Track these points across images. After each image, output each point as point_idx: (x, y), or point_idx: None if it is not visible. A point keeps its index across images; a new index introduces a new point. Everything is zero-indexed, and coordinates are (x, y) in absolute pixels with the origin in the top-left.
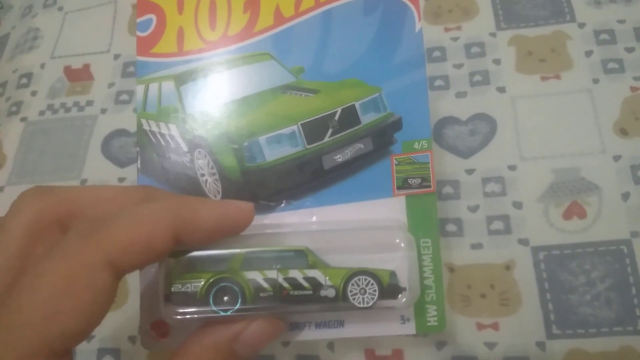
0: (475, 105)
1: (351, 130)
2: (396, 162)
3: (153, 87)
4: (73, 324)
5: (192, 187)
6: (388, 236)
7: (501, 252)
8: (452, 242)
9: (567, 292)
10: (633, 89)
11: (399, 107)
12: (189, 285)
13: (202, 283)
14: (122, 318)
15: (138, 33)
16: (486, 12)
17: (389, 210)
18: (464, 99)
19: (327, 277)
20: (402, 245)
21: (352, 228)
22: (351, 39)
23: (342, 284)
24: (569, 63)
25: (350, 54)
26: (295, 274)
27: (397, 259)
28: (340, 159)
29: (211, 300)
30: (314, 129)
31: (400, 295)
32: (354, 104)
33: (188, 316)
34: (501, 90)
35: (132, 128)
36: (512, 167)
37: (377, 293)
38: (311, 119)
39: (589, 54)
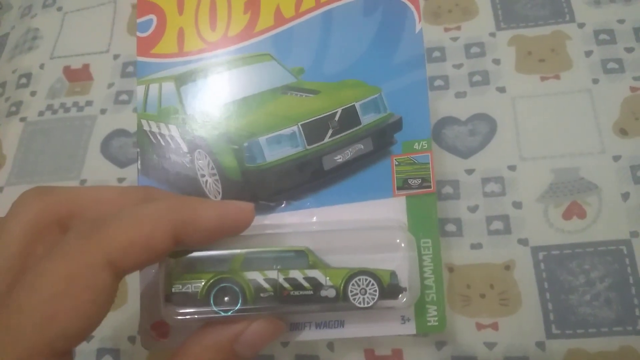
0: (474, 105)
1: (351, 130)
2: (396, 163)
3: (153, 88)
4: (73, 324)
5: (192, 188)
6: (388, 236)
7: (501, 252)
8: (451, 242)
9: (566, 292)
10: (633, 89)
11: (399, 108)
12: (190, 285)
13: (203, 283)
14: (121, 318)
15: (138, 33)
16: (486, 12)
17: (389, 211)
18: (464, 99)
19: (328, 278)
20: (403, 245)
21: (353, 228)
22: (351, 40)
23: (342, 284)
24: (568, 63)
25: (351, 55)
26: (296, 274)
27: (398, 259)
28: (340, 160)
29: (212, 301)
30: (314, 130)
31: (400, 296)
32: (354, 105)
33: (188, 317)
34: (501, 90)
35: (132, 128)
36: (511, 167)
37: (377, 293)
38: (311, 119)
39: (588, 54)
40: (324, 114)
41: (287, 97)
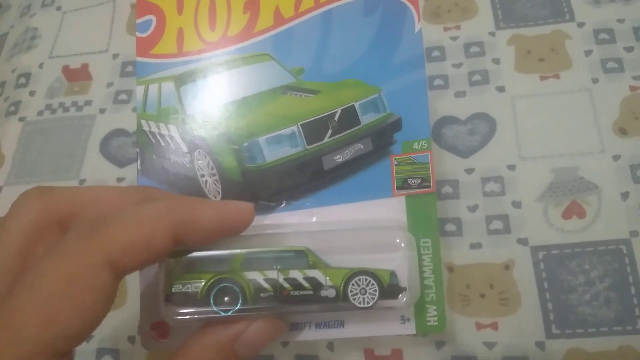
0: (474, 104)
1: (351, 130)
2: (396, 163)
3: (153, 88)
4: (74, 324)
5: (192, 188)
6: (388, 236)
7: (500, 252)
8: (451, 241)
9: (566, 291)
10: (632, 88)
11: (399, 108)
12: (190, 285)
13: (203, 283)
14: (121, 318)
15: (138, 34)
16: (485, 11)
17: (388, 211)
18: (463, 98)
19: (328, 277)
20: (402, 245)
21: (352, 228)
22: (351, 40)
23: (342, 284)
24: (568, 62)
25: (350, 55)
26: (296, 274)
27: (397, 259)
28: (340, 160)
29: (212, 301)
30: (313, 130)
31: (400, 295)
32: (353, 105)
33: (188, 317)
34: (500, 89)
35: (131, 128)
36: (511, 167)
37: (377, 293)
38: (311, 119)
39: (588, 53)
40: (324, 114)
41: (286, 97)
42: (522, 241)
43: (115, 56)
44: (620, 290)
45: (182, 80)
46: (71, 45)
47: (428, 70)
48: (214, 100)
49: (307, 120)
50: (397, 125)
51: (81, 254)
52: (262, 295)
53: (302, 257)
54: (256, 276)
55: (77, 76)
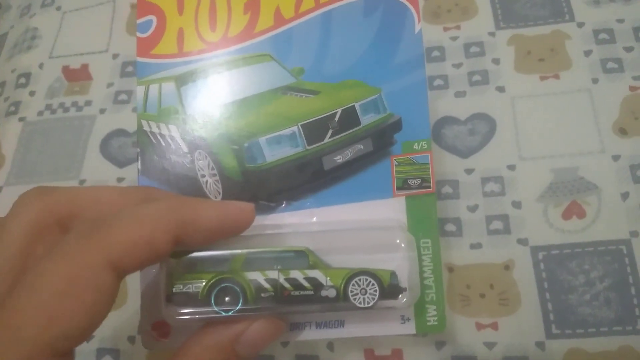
0: (474, 104)
1: (351, 131)
2: (396, 163)
3: (153, 88)
4: (74, 324)
5: (192, 188)
6: (388, 236)
7: (500, 252)
8: (451, 242)
9: (566, 291)
10: (632, 88)
11: (399, 108)
12: (191, 285)
13: (204, 283)
14: (121, 318)
15: (138, 34)
16: (485, 11)
17: (389, 211)
18: (463, 98)
19: (328, 278)
20: (403, 245)
21: (353, 228)
22: (351, 40)
23: (342, 284)
24: (568, 63)
25: (350, 55)
26: (296, 274)
27: (398, 259)
28: (340, 160)
29: (212, 301)
30: (314, 130)
31: (400, 296)
32: (354, 105)
33: (189, 317)
34: (500, 89)
35: (131, 128)
36: (511, 167)
37: (377, 293)
38: (311, 119)
39: (588, 53)
40: (324, 115)
41: (287, 98)
42: (522, 241)
43: (115, 56)
44: (620, 290)
45: (183, 80)
46: (71, 45)
47: (428, 71)
48: (215, 100)
49: (307, 121)
50: (397, 125)
51: (82, 254)
52: (262, 295)
53: (303, 257)
54: (257, 276)
55: (77, 76)
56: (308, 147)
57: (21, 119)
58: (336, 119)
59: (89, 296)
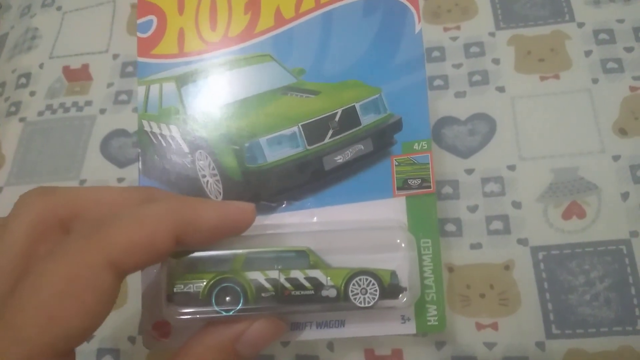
0: (474, 105)
1: (351, 131)
2: (396, 163)
3: (154, 89)
4: (75, 324)
5: (193, 188)
6: (389, 236)
7: (500, 252)
8: (451, 242)
9: (566, 292)
10: (632, 88)
11: (399, 108)
12: (191, 285)
13: (204, 283)
14: (121, 318)
15: (139, 34)
16: (485, 11)
17: (389, 211)
18: (463, 98)
19: (329, 277)
20: (403, 245)
21: (353, 228)
22: (351, 40)
23: (343, 284)
24: (568, 63)
25: (351, 55)
26: (297, 274)
27: (398, 259)
28: (340, 160)
29: (213, 301)
30: (314, 130)
31: (401, 295)
32: (354, 105)
33: (190, 316)
34: (500, 90)
35: (131, 128)
36: (511, 167)
37: (378, 293)
38: (312, 120)
39: (588, 53)
40: (324, 115)
41: (287, 98)
42: (522, 241)
43: (115, 56)
44: (620, 290)
45: (183, 80)
46: (71, 45)
47: (428, 71)
48: (215, 100)
49: (307, 121)
50: (397, 125)
51: (82, 254)
52: (263, 295)
53: (303, 257)
54: (257, 276)
55: (78, 76)
56: (308, 147)
57: (21, 119)
58: (336, 119)
59: (89, 296)
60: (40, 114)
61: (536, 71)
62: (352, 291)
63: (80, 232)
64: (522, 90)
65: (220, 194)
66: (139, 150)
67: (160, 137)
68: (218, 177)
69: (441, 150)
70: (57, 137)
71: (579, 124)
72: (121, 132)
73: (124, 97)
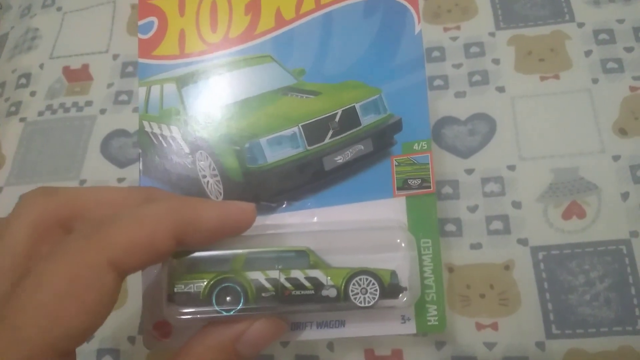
0: (474, 105)
1: (351, 131)
2: (396, 163)
3: (155, 89)
4: (76, 324)
5: (193, 189)
6: (389, 236)
7: (500, 252)
8: (451, 242)
9: (566, 292)
10: (632, 88)
11: (399, 109)
12: (192, 285)
13: (205, 283)
14: (121, 318)
15: (140, 35)
16: (485, 11)
17: (389, 211)
18: (463, 98)
19: (329, 277)
20: (403, 245)
21: (353, 228)
22: (351, 41)
23: (343, 284)
24: (568, 63)
25: (351, 56)
26: (297, 274)
27: (398, 259)
28: (340, 160)
29: (214, 301)
30: (314, 131)
31: (401, 295)
32: (354, 106)
33: (191, 316)
34: (500, 90)
35: (131, 128)
36: (511, 167)
37: (378, 293)
38: (312, 120)
39: (588, 53)
40: (325, 115)
41: (287, 99)
42: (522, 241)
43: (115, 57)
44: (620, 290)
45: (184, 81)
46: (72, 45)
47: (428, 71)
48: (216, 101)
49: (308, 122)
50: (397, 126)
51: (83, 254)
52: (263, 295)
53: (304, 257)
54: (258, 276)
55: (78, 77)
56: (309, 148)
57: (22, 119)
58: (337, 119)
59: (90, 296)
60: (41, 114)
61: (536, 71)
62: (352, 291)
63: (81, 232)
64: (522, 90)
65: (220, 194)
66: (140, 151)
67: (161, 138)
68: (218, 178)
69: (441, 150)
70: (57, 137)
71: (579, 124)
72: (121, 132)
73: (124, 97)
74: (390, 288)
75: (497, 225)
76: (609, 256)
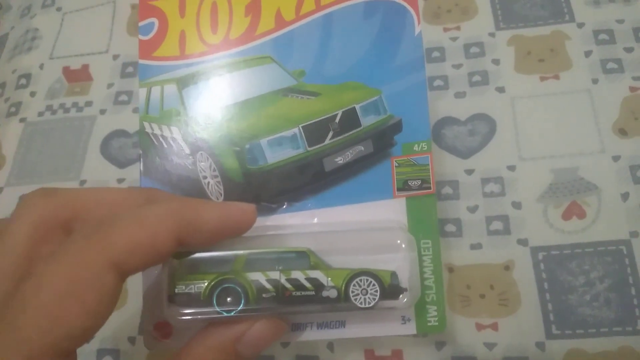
0: (474, 105)
1: (352, 132)
2: (396, 164)
3: (155, 91)
4: (77, 324)
5: (194, 190)
6: (389, 237)
7: (500, 253)
8: (451, 242)
9: (566, 292)
10: (632, 89)
11: (399, 109)
12: (193, 286)
13: (206, 284)
14: (121, 319)
15: (140, 36)
16: (485, 12)
17: (389, 212)
18: (463, 99)
19: (329, 278)
20: (403, 246)
21: (353, 229)
22: (351, 42)
23: (343, 285)
24: (568, 63)
25: (351, 57)
26: (298, 274)
27: (398, 259)
28: (341, 161)
29: (214, 301)
30: (315, 132)
31: (401, 296)
32: (354, 107)
33: (191, 317)
34: (500, 90)
35: (131, 129)
36: (511, 168)
37: (378, 293)
38: (312, 121)
39: (588, 54)
40: (325, 116)
41: (288, 100)
42: (522, 242)
43: (115, 57)
44: (620, 290)
45: (185, 82)
46: (71, 46)
47: (428, 71)
48: (216, 102)
49: (308, 123)
50: (397, 127)
51: (84, 255)
52: (264, 295)
53: (304, 258)
54: (258, 277)
55: (78, 77)
56: (309, 149)
57: (22, 120)
58: (337, 120)
59: (91, 297)
60: (41, 114)
61: (536, 71)
62: (352, 292)
63: (82, 233)
64: (522, 91)
65: (221, 195)
66: (140, 152)
67: (161, 139)
68: (219, 179)
69: (441, 150)
70: (57, 138)
71: (579, 124)
72: (121, 133)
73: (124, 97)
74: (390, 289)
75: (497, 225)
76: (609, 256)
